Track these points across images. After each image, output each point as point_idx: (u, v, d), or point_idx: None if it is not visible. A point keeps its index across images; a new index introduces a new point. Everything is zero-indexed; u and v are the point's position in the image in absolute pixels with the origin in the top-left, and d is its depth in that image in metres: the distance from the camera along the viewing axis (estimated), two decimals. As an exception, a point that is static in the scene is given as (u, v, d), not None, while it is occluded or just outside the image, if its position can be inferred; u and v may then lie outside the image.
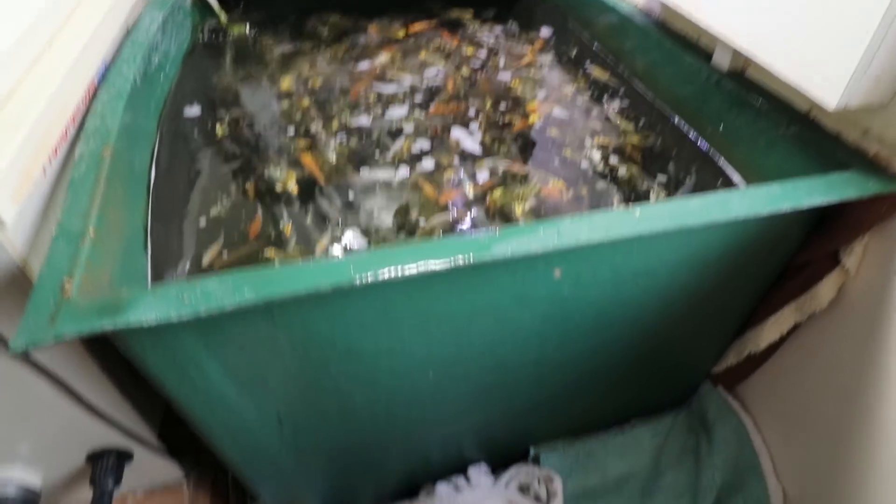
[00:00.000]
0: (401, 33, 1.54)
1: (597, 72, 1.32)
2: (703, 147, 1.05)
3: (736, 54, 0.98)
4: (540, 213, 0.96)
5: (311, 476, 1.02)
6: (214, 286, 0.59)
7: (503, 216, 0.96)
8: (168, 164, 1.03)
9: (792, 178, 0.73)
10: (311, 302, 0.64)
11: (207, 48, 1.49)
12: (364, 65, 1.39)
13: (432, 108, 1.22)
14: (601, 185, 1.02)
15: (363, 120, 1.19)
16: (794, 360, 0.98)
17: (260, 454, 0.90)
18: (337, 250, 0.91)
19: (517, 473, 1.10)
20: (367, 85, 1.31)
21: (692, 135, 1.08)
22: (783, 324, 0.91)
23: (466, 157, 1.09)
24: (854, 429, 0.88)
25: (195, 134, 1.14)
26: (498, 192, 0.99)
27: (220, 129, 1.15)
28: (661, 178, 1.02)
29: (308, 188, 1.03)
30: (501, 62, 1.40)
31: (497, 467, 1.14)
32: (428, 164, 1.07)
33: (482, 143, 1.11)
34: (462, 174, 1.04)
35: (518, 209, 0.96)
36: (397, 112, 1.22)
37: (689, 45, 1.12)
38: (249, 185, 1.02)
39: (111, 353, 0.72)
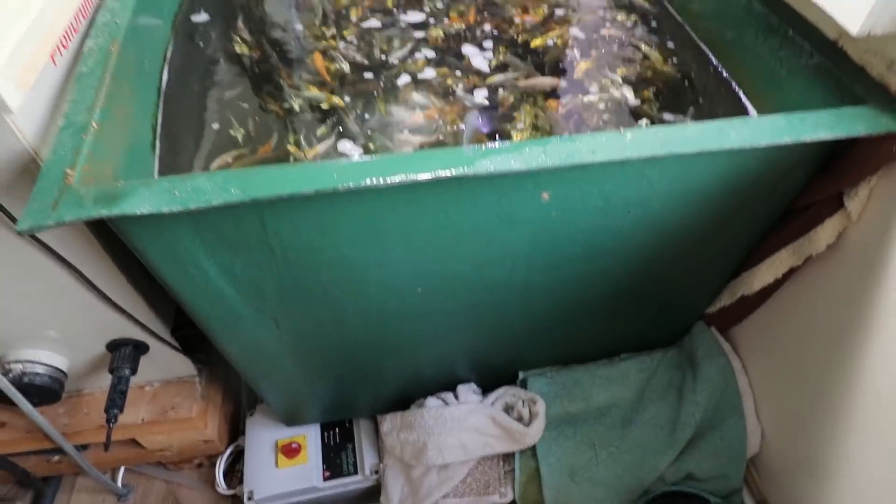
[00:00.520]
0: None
1: None
2: (722, 76, 1.00)
3: (771, -24, 0.91)
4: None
5: (310, 381, 1.09)
6: (204, 183, 0.61)
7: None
8: (181, 68, 1.04)
9: (799, 111, 0.69)
10: (298, 206, 0.66)
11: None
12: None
13: (448, 19, 1.18)
14: (607, 106, 0.99)
15: (374, 23, 1.17)
16: (788, 304, 0.97)
17: (260, 355, 0.96)
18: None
19: (503, 394, 1.15)
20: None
21: (713, 61, 1.03)
22: (778, 267, 0.90)
23: (473, 73, 1.06)
24: (838, 375, 0.88)
25: (211, 40, 1.13)
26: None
27: (236, 39, 1.15)
28: (672, 106, 0.98)
29: (319, 99, 1.03)
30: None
31: (487, 389, 1.19)
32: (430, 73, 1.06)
33: (494, 61, 1.08)
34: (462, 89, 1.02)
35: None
36: (414, 17, 1.19)
37: (724, -36, 1.04)
38: (267, 99, 1.02)
39: (125, 252, 0.77)
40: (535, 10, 1.21)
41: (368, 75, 1.06)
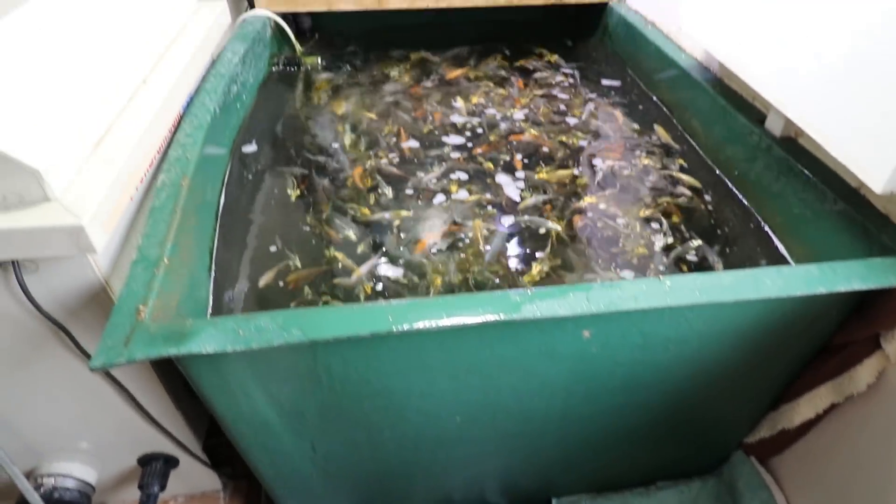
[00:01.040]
0: (468, 72, 1.60)
1: (659, 130, 1.32)
2: (748, 210, 1.05)
3: (789, 121, 0.98)
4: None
5: (339, 499, 1.07)
6: (267, 322, 0.65)
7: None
8: (235, 194, 1.11)
9: (832, 260, 0.73)
10: (351, 343, 0.69)
11: (282, 77, 1.60)
12: (428, 98, 1.46)
13: (480, 146, 1.26)
14: (639, 240, 1.03)
15: (413, 143, 1.26)
16: (831, 439, 0.96)
17: (292, 475, 0.96)
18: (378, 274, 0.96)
19: (536, 519, 1.11)
20: (427, 116, 1.37)
21: (739, 196, 1.08)
22: (819, 403, 0.89)
23: (503, 201, 1.12)
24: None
25: (260, 168, 1.22)
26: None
27: (282, 167, 1.23)
28: (701, 239, 1.02)
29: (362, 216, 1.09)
30: (560, 108, 1.43)
31: (518, 515, 1.15)
32: (463, 195, 1.13)
33: (525, 193, 1.14)
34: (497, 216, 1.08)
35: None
36: (453, 141, 1.28)
37: (744, 104, 1.12)
38: (312, 220, 1.09)
39: (171, 368, 0.80)
40: (565, 140, 1.29)
41: (408, 191, 1.14)
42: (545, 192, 1.14)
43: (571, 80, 1.56)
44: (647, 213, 1.08)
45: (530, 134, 1.32)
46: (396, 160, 1.24)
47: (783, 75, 0.91)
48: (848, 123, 0.77)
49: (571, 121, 1.37)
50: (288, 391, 0.76)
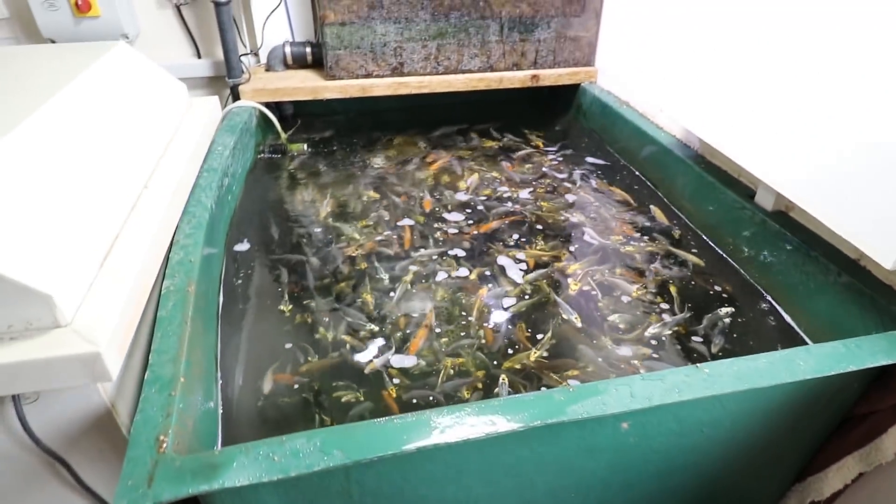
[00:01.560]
0: (456, 154, 1.64)
1: (655, 211, 1.34)
2: (749, 283, 1.08)
3: (779, 195, 1.03)
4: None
5: None
6: (303, 444, 0.61)
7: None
8: (233, 294, 1.08)
9: (842, 331, 0.75)
10: (388, 457, 0.65)
11: (268, 164, 1.60)
12: (416, 180, 1.48)
13: (477, 227, 1.27)
14: (638, 315, 1.04)
15: (408, 221, 1.26)
16: (861, 507, 0.95)
17: None
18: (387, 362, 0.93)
19: None
20: (417, 198, 1.38)
21: (740, 271, 1.11)
22: (847, 473, 0.89)
23: (507, 282, 1.12)
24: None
25: (253, 266, 1.18)
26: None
27: (280, 265, 1.20)
28: (702, 313, 1.03)
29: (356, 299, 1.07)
30: (551, 187, 1.47)
31: None
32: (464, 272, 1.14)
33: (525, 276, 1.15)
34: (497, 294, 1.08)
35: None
36: (452, 218, 1.29)
37: (731, 180, 1.17)
38: (301, 316, 1.05)
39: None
40: (558, 217, 1.32)
41: (403, 273, 1.13)
42: (544, 267, 1.15)
43: (559, 159, 1.61)
44: (645, 288, 1.09)
45: (524, 212, 1.34)
46: (391, 242, 1.24)
47: (774, 152, 0.97)
48: (849, 201, 0.82)
49: (565, 198, 1.41)
50: (316, 512, 0.70)
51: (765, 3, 0.97)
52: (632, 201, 1.37)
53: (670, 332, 0.99)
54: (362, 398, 0.89)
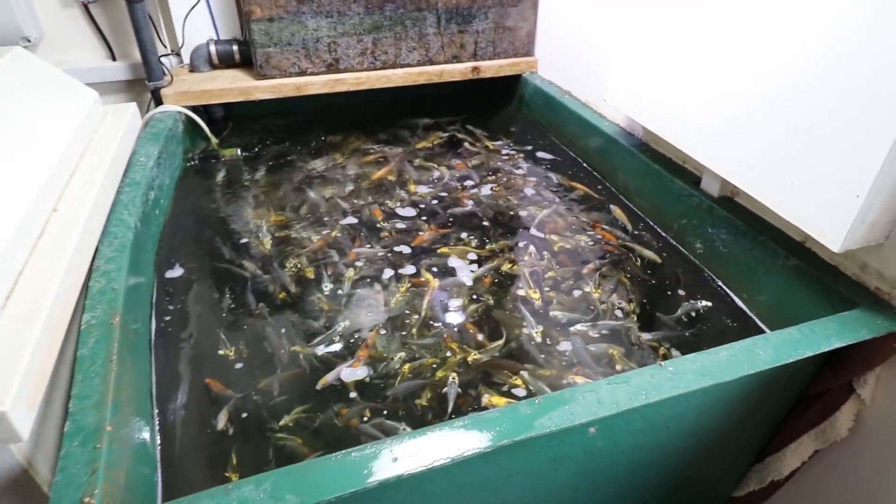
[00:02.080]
0: (400, 151, 1.59)
1: (614, 210, 1.32)
2: (698, 268, 1.09)
3: (724, 181, 1.04)
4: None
5: None
6: (252, 492, 0.55)
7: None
8: (167, 319, 0.99)
9: (792, 311, 0.75)
10: (351, 498, 0.60)
11: (199, 173, 1.49)
12: (359, 186, 1.42)
13: (425, 232, 1.23)
14: (591, 309, 1.03)
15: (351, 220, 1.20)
16: (814, 484, 0.97)
17: None
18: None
19: None
20: (366, 203, 1.32)
21: (689, 257, 1.12)
22: (804, 451, 0.91)
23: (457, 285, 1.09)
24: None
25: (191, 281, 1.09)
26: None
27: (212, 282, 1.12)
28: (655, 298, 1.04)
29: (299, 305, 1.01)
30: (499, 181, 1.44)
31: None
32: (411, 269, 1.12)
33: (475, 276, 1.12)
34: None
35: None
36: (405, 213, 1.24)
37: (676, 168, 1.18)
38: (246, 335, 0.98)
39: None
40: (507, 210, 1.30)
41: (353, 273, 1.07)
42: (495, 270, 1.12)
43: (506, 154, 1.59)
44: (599, 284, 1.08)
45: (476, 210, 1.31)
46: (337, 247, 1.18)
47: (716, 138, 0.97)
48: (797, 188, 0.82)
49: (516, 193, 1.39)
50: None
51: (701, -11, 0.97)
52: (581, 193, 1.37)
53: (626, 325, 0.98)
54: (316, 417, 0.83)
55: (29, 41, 1.49)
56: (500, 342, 0.95)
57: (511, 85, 1.83)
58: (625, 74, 1.20)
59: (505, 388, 0.88)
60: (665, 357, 0.93)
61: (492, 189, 1.40)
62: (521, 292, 1.06)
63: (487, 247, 1.18)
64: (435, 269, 1.11)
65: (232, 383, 0.88)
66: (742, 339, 0.73)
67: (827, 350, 0.73)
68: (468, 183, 1.43)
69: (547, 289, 1.07)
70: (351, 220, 1.28)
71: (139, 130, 1.33)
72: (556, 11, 1.64)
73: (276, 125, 1.73)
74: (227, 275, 1.11)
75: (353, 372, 0.92)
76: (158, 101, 1.53)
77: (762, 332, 0.94)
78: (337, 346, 0.95)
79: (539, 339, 0.96)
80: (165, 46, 1.67)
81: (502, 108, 1.87)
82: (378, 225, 1.26)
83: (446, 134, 1.70)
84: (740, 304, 1.01)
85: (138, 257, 1.01)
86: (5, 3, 1.39)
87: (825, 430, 0.88)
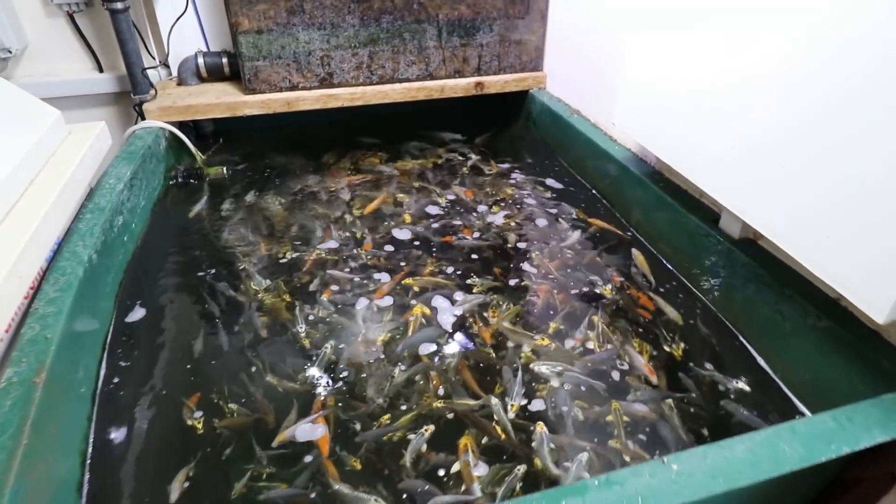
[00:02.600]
0: (399, 173, 1.48)
1: (598, 223, 1.24)
2: (720, 322, 0.96)
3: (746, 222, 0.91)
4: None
5: None
6: None
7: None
8: (122, 373, 0.88)
9: (824, 382, 0.63)
10: None
11: (181, 193, 1.40)
12: (351, 215, 1.32)
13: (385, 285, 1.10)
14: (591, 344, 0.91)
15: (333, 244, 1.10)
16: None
17: None
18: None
19: None
20: (361, 231, 1.22)
21: (708, 306, 0.99)
22: (838, 545, 0.78)
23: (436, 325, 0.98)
24: None
25: (152, 337, 0.96)
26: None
27: (182, 326, 1.02)
28: (668, 348, 0.91)
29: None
30: (505, 218, 1.33)
31: None
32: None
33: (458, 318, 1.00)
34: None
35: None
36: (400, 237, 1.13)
37: (692, 202, 1.05)
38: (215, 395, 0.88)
39: None
40: (503, 244, 1.18)
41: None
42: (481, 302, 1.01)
43: (514, 179, 1.46)
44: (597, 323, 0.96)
45: (472, 240, 1.20)
46: (326, 281, 1.08)
47: (738, 175, 0.84)
48: (827, 236, 0.70)
49: (521, 226, 1.27)
50: None
51: (729, 7, 0.85)
52: (594, 230, 1.23)
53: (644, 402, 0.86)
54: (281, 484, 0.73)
55: (10, 52, 1.42)
56: (475, 402, 0.84)
57: (517, 101, 1.72)
58: (636, 96, 1.08)
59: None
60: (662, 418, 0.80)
61: (495, 218, 1.28)
62: (510, 343, 0.94)
63: (479, 286, 1.06)
64: (418, 312, 1.00)
65: (190, 444, 0.78)
66: (763, 429, 0.61)
67: (868, 446, 0.60)
68: (468, 210, 1.31)
69: (542, 337, 0.95)
70: (336, 247, 1.17)
71: (118, 149, 1.25)
72: (566, 24, 1.53)
73: (267, 142, 1.65)
74: (196, 314, 1.01)
75: (312, 429, 0.81)
76: (143, 116, 1.45)
77: (788, 401, 0.82)
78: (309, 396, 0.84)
79: (518, 406, 0.84)
80: (154, 58, 1.60)
81: (508, 127, 1.76)
82: (365, 258, 1.15)
83: (448, 154, 1.59)
84: (763, 363, 0.87)
85: (92, 295, 0.92)
86: (-17, 13, 1.33)
87: (862, 524, 0.75)
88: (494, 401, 0.83)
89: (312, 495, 0.72)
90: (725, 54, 0.84)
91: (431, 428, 0.80)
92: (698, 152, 0.93)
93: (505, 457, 0.76)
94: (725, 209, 0.94)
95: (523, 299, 1.04)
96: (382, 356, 0.92)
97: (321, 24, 1.42)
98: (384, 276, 1.09)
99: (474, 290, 1.05)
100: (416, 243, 1.19)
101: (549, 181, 1.43)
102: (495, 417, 0.81)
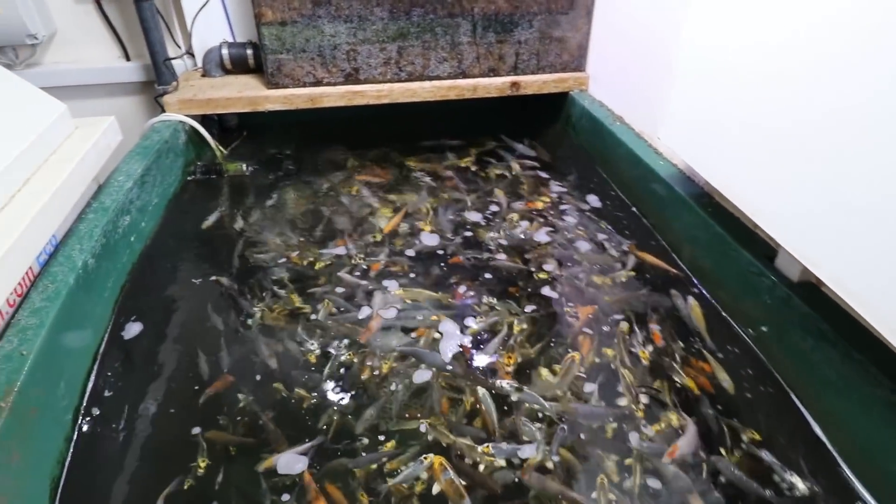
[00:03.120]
0: (429, 179, 1.40)
1: (646, 257, 1.09)
2: (772, 377, 0.83)
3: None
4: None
5: None
6: None
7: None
8: (112, 383, 0.84)
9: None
10: None
11: (198, 191, 1.36)
12: (373, 225, 1.24)
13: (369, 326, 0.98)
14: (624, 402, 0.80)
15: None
16: None
17: None
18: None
19: None
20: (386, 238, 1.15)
21: (759, 356, 0.86)
22: None
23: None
24: None
25: (150, 355, 0.89)
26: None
27: (187, 343, 0.97)
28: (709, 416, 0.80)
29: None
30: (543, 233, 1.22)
31: None
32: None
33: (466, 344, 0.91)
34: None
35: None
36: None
37: (745, 233, 0.92)
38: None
39: None
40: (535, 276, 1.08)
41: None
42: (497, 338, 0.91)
43: (545, 191, 1.33)
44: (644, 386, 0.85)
45: (501, 264, 1.10)
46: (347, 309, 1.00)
47: (797, 210, 0.72)
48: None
49: (538, 242, 1.16)
50: None
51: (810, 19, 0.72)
52: (636, 263, 1.10)
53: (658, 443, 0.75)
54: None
55: (37, 39, 1.40)
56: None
57: (556, 104, 1.60)
58: (685, 109, 0.95)
59: None
60: None
61: (529, 234, 1.17)
62: (515, 398, 0.84)
63: (496, 319, 0.96)
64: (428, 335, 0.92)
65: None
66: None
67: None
68: (496, 222, 1.21)
69: (564, 392, 0.85)
70: (353, 253, 1.10)
71: (114, 148, 1.20)
72: (613, 21, 1.39)
73: (291, 138, 1.59)
74: (202, 324, 0.95)
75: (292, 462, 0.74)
76: (164, 109, 1.41)
77: (852, 491, 0.69)
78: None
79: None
80: (180, 47, 1.56)
81: (545, 130, 1.64)
82: (384, 267, 1.07)
83: (481, 158, 1.48)
84: (819, 432, 0.75)
85: (85, 303, 0.87)
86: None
87: None
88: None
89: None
90: (808, 78, 0.71)
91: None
92: (754, 180, 0.80)
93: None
94: (783, 248, 0.81)
95: (551, 348, 0.92)
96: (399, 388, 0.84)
97: (348, 17, 1.34)
98: (393, 284, 1.01)
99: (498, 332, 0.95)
100: (440, 252, 1.11)
101: (590, 197, 1.29)
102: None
